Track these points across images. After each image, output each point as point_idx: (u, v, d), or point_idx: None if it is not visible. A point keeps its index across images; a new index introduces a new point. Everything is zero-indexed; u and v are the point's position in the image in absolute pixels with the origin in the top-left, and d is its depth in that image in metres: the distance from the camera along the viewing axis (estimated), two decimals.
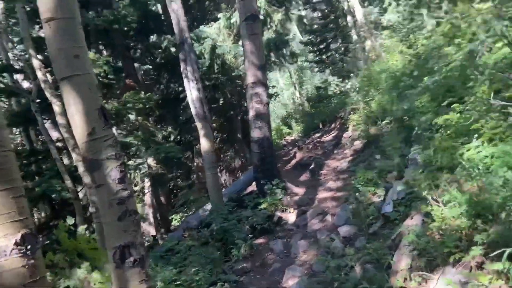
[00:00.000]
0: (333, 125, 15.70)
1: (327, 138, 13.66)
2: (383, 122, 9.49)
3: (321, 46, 26.20)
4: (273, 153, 8.68)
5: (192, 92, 8.37)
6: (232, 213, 7.68)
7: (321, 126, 18.71)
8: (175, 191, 13.15)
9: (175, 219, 15.08)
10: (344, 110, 15.03)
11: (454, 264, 3.31)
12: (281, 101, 39.96)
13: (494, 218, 3.33)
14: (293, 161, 11.92)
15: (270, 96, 20.45)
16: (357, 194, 6.42)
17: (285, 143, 20.42)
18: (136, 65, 12.89)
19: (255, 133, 8.46)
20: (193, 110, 8.38)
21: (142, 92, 8.70)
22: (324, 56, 26.74)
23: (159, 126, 11.30)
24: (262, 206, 7.77)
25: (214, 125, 12.87)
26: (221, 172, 11.94)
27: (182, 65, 8.46)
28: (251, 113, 8.49)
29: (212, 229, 6.95)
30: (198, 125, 8.40)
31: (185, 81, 8.44)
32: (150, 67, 12.82)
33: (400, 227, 4.54)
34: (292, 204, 7.93)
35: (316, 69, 36.68)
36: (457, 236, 3.39)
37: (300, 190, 8.66)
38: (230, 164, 12.08)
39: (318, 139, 13.92)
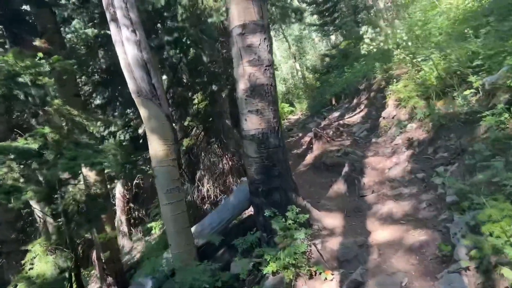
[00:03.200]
0: (355, 101, 11.74)
1: (353, 119, 9.71)
2: (468, 92, 5.53)
3: (328, 5, 21.91)
4: (286, 159, 4.78)
5: (126, 48, 4.39)
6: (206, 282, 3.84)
7: (333, 102, 14.88)
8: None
9: (155, 228, 11.51)
10: (371, 79, 11.08)
11: None
12: (279, 76, 36.06)
13: None
14: (310, 157, 8.01)
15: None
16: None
17: (289, 125, 16.53)
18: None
19: (250, 123, 4.55)
20: (129, 83, 4.41)
21: (40, 55, 4.69)
22: (327, 19, 22.56)
23: (103, 115, 7.31)
24: (269, 268, 3.93)
25: (191, 109, 8.86)
26: (201, 181, 8.02)
27: None
28: (241, 85, 4.55)
29: None
30: (142, 110, 4.46)
31: (111, 27, 4.44)
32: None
33: None
34: (328, 261, 4.09)
35: (317, 35, 32.46)
36: None
37: (335, 222, 4.79)
38: (216, 167, 8.13)
39: (339, 121, 9.98)
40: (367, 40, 7.78)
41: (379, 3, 18.20)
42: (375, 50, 7.70)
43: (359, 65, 13.81)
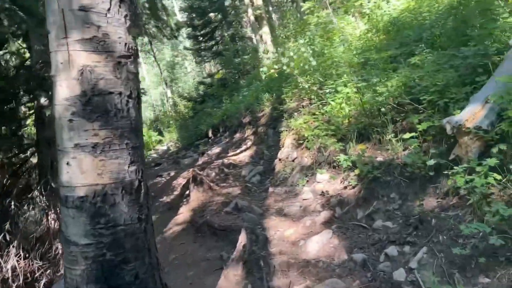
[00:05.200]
0: (237, 135, 10.05)
1: (240, 157, 7.83)
2: (408, 136, 4.11)
3: (205, 31, 20.52)
4: (152, 244, 2.45)
5: None
6: None
7: (210, 134, 13.14)
8: None
9: None
10: (257, 112, 9.60)
11: None
12: (148, 101, 33.20)
13: None
14: (185, 210, 5.71)
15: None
16: None
17: (157, 157, 14.02)
18: None
19: (78, 171, 2.11)
20: None
21: None
22: (203, 45, 21.25)
23: None
24: None
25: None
26: (5, 250, 4.77)
27: None
28: (63, 90, 2.12)
29: None
30: None
31: None
32: None
33: None
34: None
35: (190, 64, 31.08)
36: None
37: None
38: (35, 227, 4.94)
39: (223, 159, 8.00)
40: (267, 62, 6.14)
41: (264, 36, 17.53)
42: (276, 75, 6.14)
43: (241, 96, 12.39)
